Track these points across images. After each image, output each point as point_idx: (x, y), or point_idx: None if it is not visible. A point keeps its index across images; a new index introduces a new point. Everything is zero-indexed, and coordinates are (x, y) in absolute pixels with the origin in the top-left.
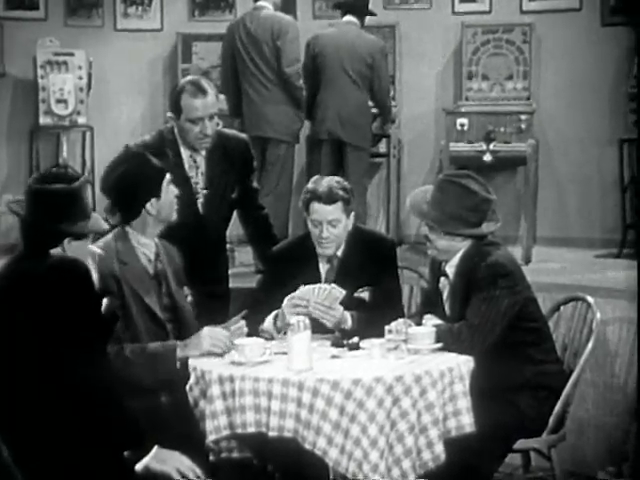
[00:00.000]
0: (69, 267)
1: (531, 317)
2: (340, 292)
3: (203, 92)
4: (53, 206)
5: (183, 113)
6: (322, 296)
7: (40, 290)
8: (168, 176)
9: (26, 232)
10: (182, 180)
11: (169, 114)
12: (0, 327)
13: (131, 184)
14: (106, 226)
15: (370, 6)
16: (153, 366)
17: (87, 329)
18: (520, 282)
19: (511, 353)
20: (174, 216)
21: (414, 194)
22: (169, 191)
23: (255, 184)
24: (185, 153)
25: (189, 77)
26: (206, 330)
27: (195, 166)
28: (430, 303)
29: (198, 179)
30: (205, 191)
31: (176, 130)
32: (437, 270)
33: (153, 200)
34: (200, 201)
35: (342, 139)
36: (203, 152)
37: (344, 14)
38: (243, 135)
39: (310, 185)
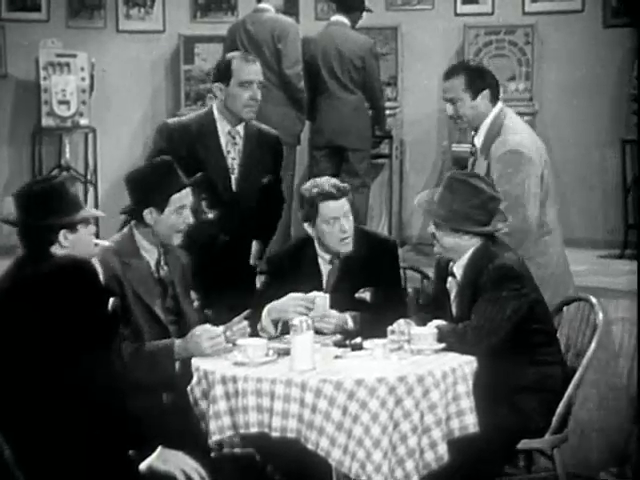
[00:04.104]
0: (74, 267)
1: (538, 319)
2: (323, 297)
3: (253, 60)
4: (37, 204)
5: (234, 77)
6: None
7: (44, 290)
8: (184, 200)
9: (21, 235)
10: (219, 158)
11: (216, 84)
12: (5, 328)
13: (140, 179)
14: (99, 213)
15: (369, 5)
16: (152, 366)
17: (91, 329)
18: (528, 285)
19: (516, 355)
20: (175, 240)
21: (422, 194)
22: (177, 213)
23: (280, 177)
24: (223, 131)
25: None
26: (200, 330)
27: (233, 142)
28: (436, 303)
29: (235, 155)
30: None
31: (215, 109)
32: (444, 270)
33: (153, 209)
34: (234, 177)
35: (343, 145)
36: (241, 130)
37: (336, 11)
38: (274, 130)
39: (314, 189)
